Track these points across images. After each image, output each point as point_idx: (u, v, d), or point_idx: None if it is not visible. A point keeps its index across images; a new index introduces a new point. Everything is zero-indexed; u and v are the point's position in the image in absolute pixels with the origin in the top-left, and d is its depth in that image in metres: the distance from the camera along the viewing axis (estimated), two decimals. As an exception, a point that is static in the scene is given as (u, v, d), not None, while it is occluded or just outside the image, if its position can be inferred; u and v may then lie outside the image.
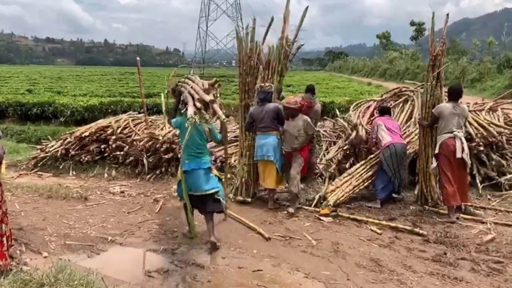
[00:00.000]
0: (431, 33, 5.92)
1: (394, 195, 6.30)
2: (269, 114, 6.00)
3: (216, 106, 4.68)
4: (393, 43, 60.71)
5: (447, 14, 6.08)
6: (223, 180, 5.25)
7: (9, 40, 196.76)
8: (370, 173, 6.39)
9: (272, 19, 6.60)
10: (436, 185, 6.09)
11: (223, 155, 7.68)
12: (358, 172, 6.39)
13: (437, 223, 5.52)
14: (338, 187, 6.11)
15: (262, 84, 6.17)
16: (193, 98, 4.71)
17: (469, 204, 5.97)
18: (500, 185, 6.71)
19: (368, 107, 8.80)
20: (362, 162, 6.57)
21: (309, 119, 6.02)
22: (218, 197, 4.89)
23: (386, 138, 6.19)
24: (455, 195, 5.61)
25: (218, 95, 5.00)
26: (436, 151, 5.77)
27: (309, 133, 6.00)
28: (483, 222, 5.49)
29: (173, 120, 5.10)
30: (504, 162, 6.88)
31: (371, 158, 6.52)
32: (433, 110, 5.82)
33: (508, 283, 3.98)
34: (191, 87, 4.90)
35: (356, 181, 6.28)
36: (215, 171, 5.10)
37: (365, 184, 6.37)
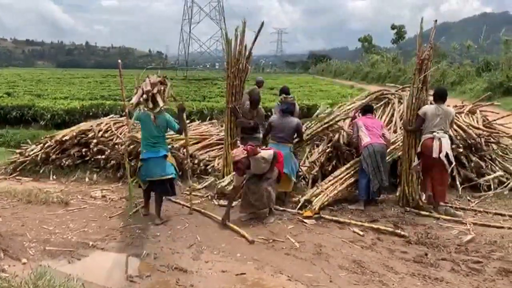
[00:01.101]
0: (418, 38, 6.06)
1: (375, 197, 6.36)
2: (290, 129, 6.15)
3: (158, 96, 5.41)
4: (375, 46, 61.48)
5: (435, 21, 6.42)
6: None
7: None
8: (355, 177, 6.43)
9: (263, 24, 6.64)
10: (418, 187, 6.19)
11: (206, 159, 7.71)
12: (343, 177, 6.43)
13: (418, 224, 5.59)
14: (322, 191, 6.14)
15: (286, 96, 6.27)
16: (142, 91, 5.41)
17: (449, 205, 6.11)
18: (479, 186, 6.84)
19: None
20: (347, 165, 6.61)
21: (263, 155, 5.57)
22: (172, 182, 5.75)
23: (365, 139, 6.29)
24: (429, 185, 6.04)
25: (162, 88, 5.58)
26: (418, 150, 5.99)
27: (270, 160, 5.61)
28: (463, 223, 5.59)
29: (134, 114, 5.77)
30: (483, 163, 7.03)
31: (355, 162, 6.57)
32: (418, 112, 6.01)
33: (487, 283, 4.06)
34: (145, 83, 5.53)
35: (341, 185, 6.31)
36: (171, 159, 5.77)
37: (349, 188, 6.42)
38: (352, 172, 6.48)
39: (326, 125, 6.84)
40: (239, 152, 5.54)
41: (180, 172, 7.21)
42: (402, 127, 6.61)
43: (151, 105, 5.41)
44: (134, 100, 5.36)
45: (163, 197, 5.81)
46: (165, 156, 5.65)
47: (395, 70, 37.77)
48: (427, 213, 5.89)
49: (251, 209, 5.73)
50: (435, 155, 5.77)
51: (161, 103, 5.40)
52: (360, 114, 7.06)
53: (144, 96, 5.36)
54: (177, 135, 6.82)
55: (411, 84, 6.24)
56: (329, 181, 6.37)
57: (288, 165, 6.10)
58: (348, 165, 6.62)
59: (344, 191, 6.35)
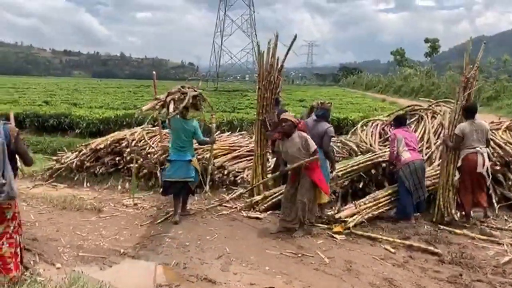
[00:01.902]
0: (466, 57, 6.04)
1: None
2: (319, 134, 5.91)
3: (170, 104, 5.76)
4: (408, 60, 60.62)
5: (484, 43, 6.61)
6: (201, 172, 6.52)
7: (28, 52, 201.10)
8: (394, 204, 6.28)
9: (296, 37, 6.64)
10: (453, 202, 6.06)
11: (236, 170, 7.74)
12: (383, 201, 6.25)
13: (452, 243, 5.42)
14: (359, 212, 6.00)
15: (323, 101, 6.20)
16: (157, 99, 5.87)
17: (485, 224, 5.94)
18: (517, 206, 6.60)
19: (376, 125, 8.79)
20: (390, 191, 6.37)
21: (307, 136, 5.54)
22: (190, 185, 6.17)
23: (405, 154, 6.18)
24: (470, 200, 6.07)
25: (178, 97, 5.90)
26: (459, 165, 6.07)
27: (310, 151, 5.45)
28: (499, 243, 5.39)
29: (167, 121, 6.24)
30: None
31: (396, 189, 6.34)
32: (455, 132, 6.03)
33: (526, 307, 3.89)
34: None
35: (378, 210, 6.15)
36: (195, 164, 6.19)
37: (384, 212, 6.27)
38: (393, 199, 6.29)
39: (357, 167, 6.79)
40: (291, 116, 5.64)
41: (211, 183, 7.29)
42: (441, 142, 6.52)
43: (163, 111, 5.93)
44: (146, 107, 5.79)
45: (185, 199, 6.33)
46: (190, 161, 6.08)
47: (429, 84, 37.16)
48: (461, 232, 5.71)
49: (286, 224, 5.71)
50: (479, 169, 5.88)
51: (170, 110, 5.73)
52: (392, 127, 6.92)
53: (160, 103, 5.82)
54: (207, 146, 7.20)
55: (455, 101, 6.33)
56: (369, 202, 6.19)
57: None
58: (391, 190, 6.38)
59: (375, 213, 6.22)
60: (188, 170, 6.08)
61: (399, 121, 6.75)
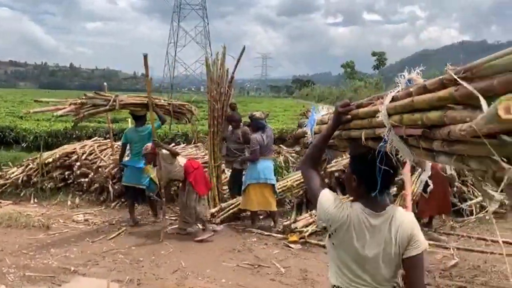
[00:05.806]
0: None
1: None
2: (272, 139, 6.36)
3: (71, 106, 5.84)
4: (357, 72, 62.71)
5: None
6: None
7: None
8: None
9: (244, 48, 6.71)
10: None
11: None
12: None
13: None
14: (314, 221, 6.06)
15: (255, 114, 6.33)
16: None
17: (432, 229, 6.19)
18: (462, 211, 6.92)
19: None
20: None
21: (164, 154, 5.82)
22: (147, 192, 6.36)
23: None
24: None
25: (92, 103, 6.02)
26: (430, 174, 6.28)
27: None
28: (446, 248, 5.63)
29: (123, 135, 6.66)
30: (465, 188, 7.15)
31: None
32: None
33: (471, 308, 4.07)
34: None
35: None
36: (149, 171, 6.10)
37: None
38: None
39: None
40: (149, 147, 5.80)
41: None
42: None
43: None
44: (60, 112, 5.83)
45: (135, 204, 6.65)
46: (143, 169, 6.15)
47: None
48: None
49: (184, 225, 6.02)
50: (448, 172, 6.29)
51: (63, 112, 5.84)
52: None
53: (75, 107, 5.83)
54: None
55: None
56: None
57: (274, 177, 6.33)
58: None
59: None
60: (140, 177, 6.21)
61: None
